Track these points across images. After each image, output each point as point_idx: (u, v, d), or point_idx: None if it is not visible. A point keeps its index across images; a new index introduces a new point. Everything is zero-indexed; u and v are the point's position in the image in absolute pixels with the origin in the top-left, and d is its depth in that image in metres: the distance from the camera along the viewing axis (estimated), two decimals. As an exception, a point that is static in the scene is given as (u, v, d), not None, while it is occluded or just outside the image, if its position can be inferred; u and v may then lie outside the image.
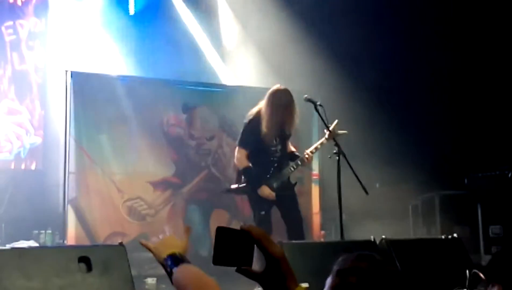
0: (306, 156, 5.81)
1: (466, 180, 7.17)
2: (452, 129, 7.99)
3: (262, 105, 5.83)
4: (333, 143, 5.48)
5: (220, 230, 1.61)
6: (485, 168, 7.12)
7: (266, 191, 5.78)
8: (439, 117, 8.05)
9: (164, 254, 2.17)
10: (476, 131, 7.86)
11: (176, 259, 2.13)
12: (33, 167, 8.03)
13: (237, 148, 5.93)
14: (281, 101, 5.73)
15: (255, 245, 1.64)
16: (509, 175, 6.78)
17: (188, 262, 2.12)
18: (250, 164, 5.81)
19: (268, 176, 5.80)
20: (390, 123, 8.10)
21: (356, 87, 8.14)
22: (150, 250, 2.24)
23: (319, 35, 8.14)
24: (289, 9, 8.33)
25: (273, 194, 5.80)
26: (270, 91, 5.83)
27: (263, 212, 5.69)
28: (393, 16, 8.05)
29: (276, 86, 5.85)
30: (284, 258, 1.65)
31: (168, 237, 2.26)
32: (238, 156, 5.88)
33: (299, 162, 5.85)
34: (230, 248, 1.61)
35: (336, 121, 5.66)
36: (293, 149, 6.06)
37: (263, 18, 8.29)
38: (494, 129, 7.71)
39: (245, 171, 5.83)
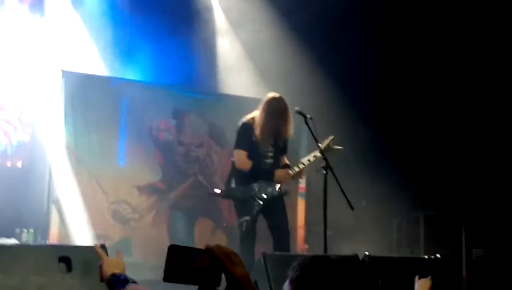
0: (300, 167, 5.78)
1: (451, 202, 7.21)
2: (441, 151, 8.02)
3: (256, 112, 5.82)
4: (321, 157, 5.47)
5: (172, 249, 1.62)
6: (472, 191, 7.16)
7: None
8: (429, 139, 8.08)
9: (110, 272, 2.36)
10: (465, 154, 7.89)
11: (124, 278, 2.32)
12: (19, 164, 7.96)
13: (235, 151, 5.82)
14: (276, 109, 5.72)
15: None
16: (495, 199, 6.82)
17: (135, 282, 2.29)
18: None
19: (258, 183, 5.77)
20: (380, 141, 8.13)
21: (347, 104, 8.16)
22: (101, 259, 2.46)
23: (313, 49, 8.17)
24: (284, 22, 8.35)
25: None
26: (265, 98, 5.80)
27: (248, 217, 5.65)
28: (389, 34, 8.09)
29: (272, 94, 5.83)
30: (248, 280, 1.64)
31: (118, 260, 2.49)
32: (240, 158, 5.75)
33: (296, 169, 5.81)
34: (184, 265, 1.62)
35: (331, 137, 5.64)
36: (287, 162, 6.03)
37: (257, 30, 8.30)
38: (482, 153, 7.74)
39: (254, 168, 5.73)
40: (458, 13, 7.74)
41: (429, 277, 3.12)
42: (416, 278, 3.30)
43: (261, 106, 5.80)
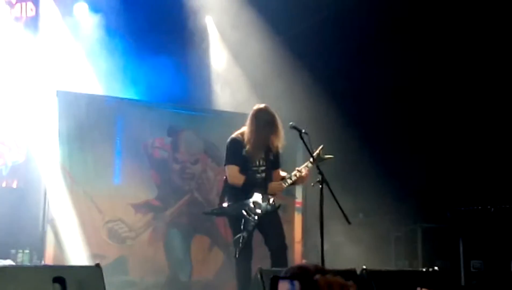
0: (298, 173, 5.76)
1: (448, 214, 7.18)
2: (437, 163, 8.01)
3: (245, 127, 5.82)
4: (317, 171, 5.45)
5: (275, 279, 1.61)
6: (468, 203, 7.14)
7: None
8: (425, 151, 8.08)
9: None
10: (461, 166, 7.89)
11: None
12: (14, 185, 7.93)
13: (226, 167, 5.78)
14: (263, 119, 5.72)
15: None
16: (492, 210, 6.79)
17: None
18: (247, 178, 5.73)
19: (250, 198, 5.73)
20: (376, 154, 8.12)
21: (343, 117, 8.16)
22: None
23: (307, 64, 8.19)
24: (278, 37, 8.39)
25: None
26: (252, 111, 5.82)
27: (243, 234, 5.60)
28: (381, 47, 8.11)
29: (257, 105, 5.85)
30: None
31: None
32: (232, 174, 5.72)
33: (289, 181, 5.78)
34: None
35: (321, 146, 5.65)
36: (283, 174, 5.97)
37: (251, 46, 8.32)
38: (479, 164, 7.74)
39: (246, 183, 5.70)
40: (444, 16, 7.77)
41: None
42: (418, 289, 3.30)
43: (249, 119, 5.80)
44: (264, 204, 5.73)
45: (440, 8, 7.85)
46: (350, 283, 1.66)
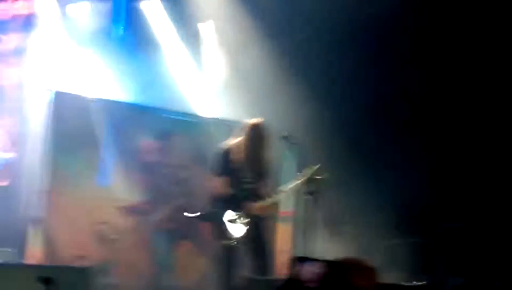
0: (276, 197, 5.89)
1: (432, 229, 7.22)
2: (427, 179, 8.02)
3: (236, 138, 5.89)
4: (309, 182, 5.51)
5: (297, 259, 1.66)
6: (453, 219, 7.18)
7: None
8: (414, 165, 8.10)
9: None
10: (447, 182, 7.92)
11: None
12: (5, 183, 7.91)
13: (214, 177, 5.93)
14: (259, 135, 5.84)
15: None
16: (476, 227, 6.86)
17: None
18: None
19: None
20: (365, 167, 8.14)
21: (335, 130, 8.15)
22: None
23: (303, 72, 8.20)
24: (274, 44, 8.37)
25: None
26: (249, 124, 5.92)
27: (226, 241, 5.68)
28: (382, 57, 8.09)
29: (255, 120, 5.96)
30: None
31: None
32: (216, 184, 5.87)
33: (265, 203, 5.87)
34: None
35: (318, 165, 5.68)
36: (266, 189, 6.06)
37: (246, 53, 8.35)
38: (466, 181, 7.77)
39: (230, 194, 5.80)
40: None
41: None
42: None
43: (241, 132, 5.92)
44: (248, 214, 5.82)
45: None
46: (372, 265, 1.71)
